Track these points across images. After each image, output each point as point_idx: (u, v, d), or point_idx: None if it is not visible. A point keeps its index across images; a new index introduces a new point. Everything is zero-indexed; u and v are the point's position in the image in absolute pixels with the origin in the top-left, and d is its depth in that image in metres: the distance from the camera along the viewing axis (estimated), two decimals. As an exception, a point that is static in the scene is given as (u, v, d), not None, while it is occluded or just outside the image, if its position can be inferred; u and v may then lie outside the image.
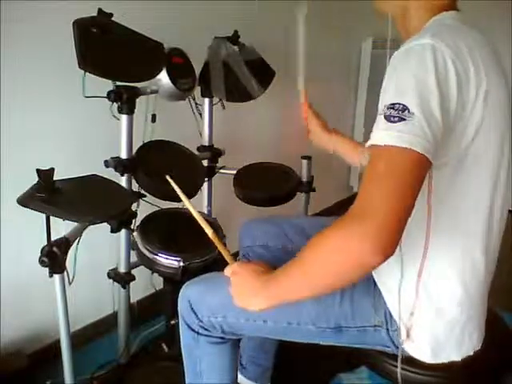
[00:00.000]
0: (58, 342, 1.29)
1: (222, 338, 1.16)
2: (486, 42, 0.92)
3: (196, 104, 1.74)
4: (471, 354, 1.00)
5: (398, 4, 0.99)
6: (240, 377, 1.52)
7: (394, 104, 0.78)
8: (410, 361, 1.02)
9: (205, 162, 1.80)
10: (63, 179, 1.20)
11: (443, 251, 0.94)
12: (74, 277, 1.26)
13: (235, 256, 1.89)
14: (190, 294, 1.16)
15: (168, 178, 1.21)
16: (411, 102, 0.78)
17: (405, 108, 0.77)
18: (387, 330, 1.02)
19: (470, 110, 0.84)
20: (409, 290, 0.97)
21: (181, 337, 1.20)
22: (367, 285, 1.05)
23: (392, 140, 0.77)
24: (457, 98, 0.81)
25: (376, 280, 1.04)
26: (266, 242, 1.40)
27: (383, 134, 0.79)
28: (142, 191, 1.53)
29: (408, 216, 0.76)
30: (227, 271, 1.03)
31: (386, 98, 0.81)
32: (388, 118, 0.78)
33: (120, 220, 1.46)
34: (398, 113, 0.77)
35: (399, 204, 0.75)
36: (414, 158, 0.76)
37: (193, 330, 1.15)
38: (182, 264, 1.39)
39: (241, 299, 0.96)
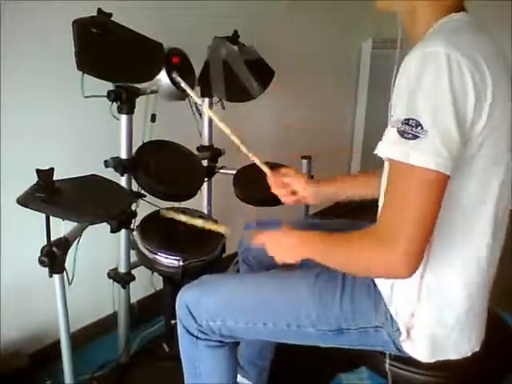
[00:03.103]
0: (58, 342, 1.29)
1: (220, 341, 1.16)
2: (495, 44, 0.90)
3: (196, 104, 1.74)
4: (469, 354, 1.00)
5: (405, 2, 0.96)
6: (238, 376, 1.52)
7: (408, 119, 0.79)
8: (410, 361, 1.02)
9: (205, 162, 1.80)
10: (63, 179, 1.20)
11: (447, 254, 0.94)
12: (73, 277, 1.26)
13: (234, 255, 1.90)
14: (187, 298, 1.16)
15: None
16: (425, 119, 0.78)
17: (418, 124, 0.78)
18: (388, 330, 1.02)
19: (487, 116, 0.82)
20: (410, 291, 0.97)
21: (179, 341, 1.20)
22: (367, 285, 1.05)
23: (406, 157, 0.79)
24: (474, 108, 0.80)
25: (376, 281, 1.04)
26: None
27: (396, 149, 0.80)
28: (142, 191, 1.53)
29: (429, 237, 0.81)
30: (258, 239, 1.11)
31: (400, 110, 0.81)
32: (402, 134, 0.80)
33: (120, 220, 1.46)
34: (412, 129, 0.79)
35: (421, 230, 0.80)
36: (430, 176, 0.79)
37: (191, 335, 1.15)
38: (181, 263, 1.39)
39: (280, 255, 1.07)
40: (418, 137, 0.78)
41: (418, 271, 0.93)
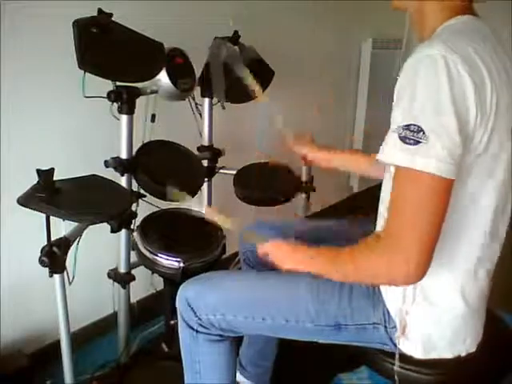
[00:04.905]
0: (58, 342, 1.29)
1: (220, 335, 1.17)
2: (497, 47, 0.89)
3: (196, 104, 1.74)
4: (463, 354, 1.01)
5: (415, 3, 0.96)
6: (239, 377, 1.52)
7: (408, 125, 0.79)
8: (410, 360, 1.02)
9: (205, 162, 1.80)
10: (63, 179, 1.20)
11: (443, 254, 0.94)
12: (73, 277, 1.26)
13: (234, 256, 1.90)
14: (188, 292, 1.17)
15: None
16: (425, 124, 0.78)
17: (420, 130, 0.78)
18: (385, 327, 1.02)
19: (488, 117, 0.82)
20: (406, 290, 0.97)
21: (179, 336, 1.20)
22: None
23: (409, 163, 0.79)
24: (476, 110, 0.80)
25: None
26: None
27: (400, 154, 0.80)
28: (142, 191, 1.53)
29: (435, 244, 0.81)
30: (266, 247, 1.09)
31: (400, 115, 0.81)
32: (403, 140, 0.79)
33: (120, 220, 1.46)
34: (414, 135, 0.78)
35: (428, 237, 0.81)
36: (435, 182, 0.79)
37: (191, 328, 1.16)
38: (181, 265, 1.39)
39: (285, 265, 1.05)
40: (419, 142, 0.78)
41: None
